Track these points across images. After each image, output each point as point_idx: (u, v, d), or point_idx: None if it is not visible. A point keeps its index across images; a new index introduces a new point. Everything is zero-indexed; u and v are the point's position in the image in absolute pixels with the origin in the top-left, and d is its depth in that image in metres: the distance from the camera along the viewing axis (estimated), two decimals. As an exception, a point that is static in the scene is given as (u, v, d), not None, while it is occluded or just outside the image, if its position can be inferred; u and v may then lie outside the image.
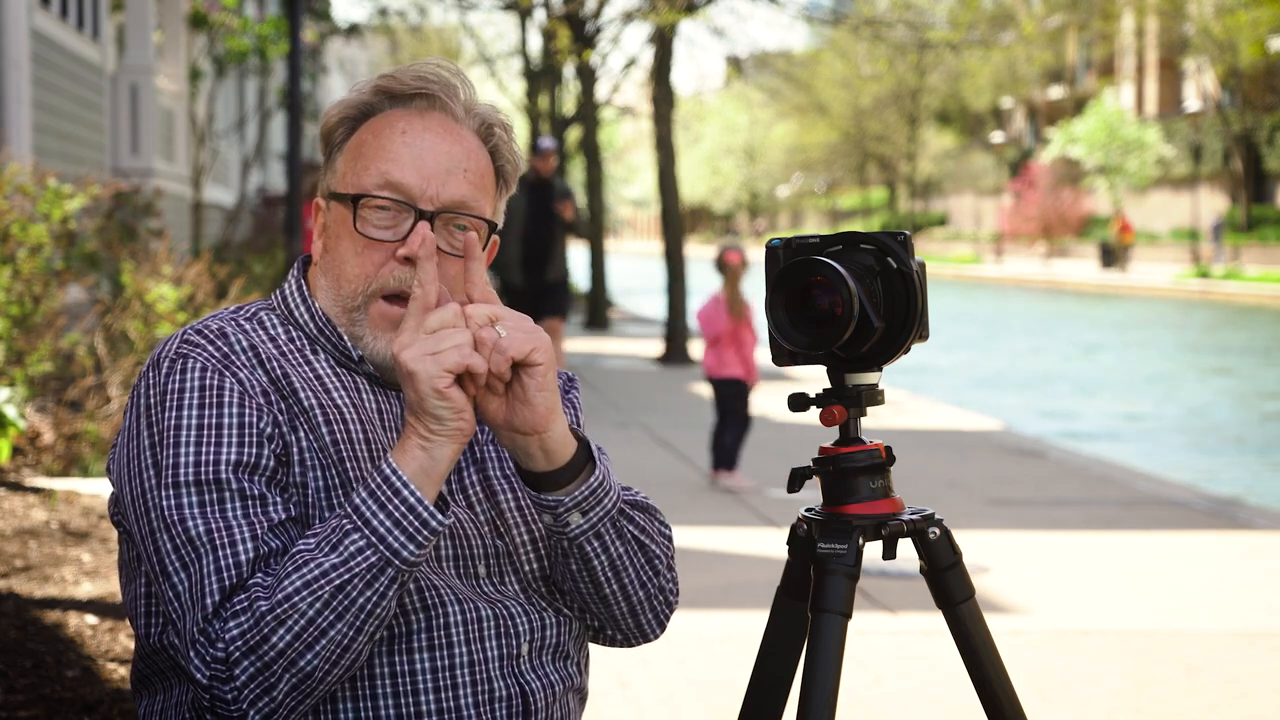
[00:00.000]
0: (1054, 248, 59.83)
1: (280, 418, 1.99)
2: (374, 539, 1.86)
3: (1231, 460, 13.21)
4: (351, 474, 2.00)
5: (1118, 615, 6.28)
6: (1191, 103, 60.74)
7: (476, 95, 2.13)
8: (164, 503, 1.94)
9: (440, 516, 1.88)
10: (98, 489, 6.73)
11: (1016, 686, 2.25)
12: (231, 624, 1.88)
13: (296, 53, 13.34)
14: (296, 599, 1.85)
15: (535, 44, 28.78)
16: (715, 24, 27.25)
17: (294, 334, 2.09)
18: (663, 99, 19.21)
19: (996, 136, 65.72)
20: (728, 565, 7.12)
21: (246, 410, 1.98)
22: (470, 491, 2.11)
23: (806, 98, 65.84)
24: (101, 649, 4.27)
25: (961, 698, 4.63)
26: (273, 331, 2.09)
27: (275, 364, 2.03)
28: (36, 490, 6.54)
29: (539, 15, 24.20)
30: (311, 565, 1.87)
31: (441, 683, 1.99)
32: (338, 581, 1.86)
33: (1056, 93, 70.66)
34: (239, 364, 2.01)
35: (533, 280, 12.31)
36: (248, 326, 2.08)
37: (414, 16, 29.56)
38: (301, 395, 2.02)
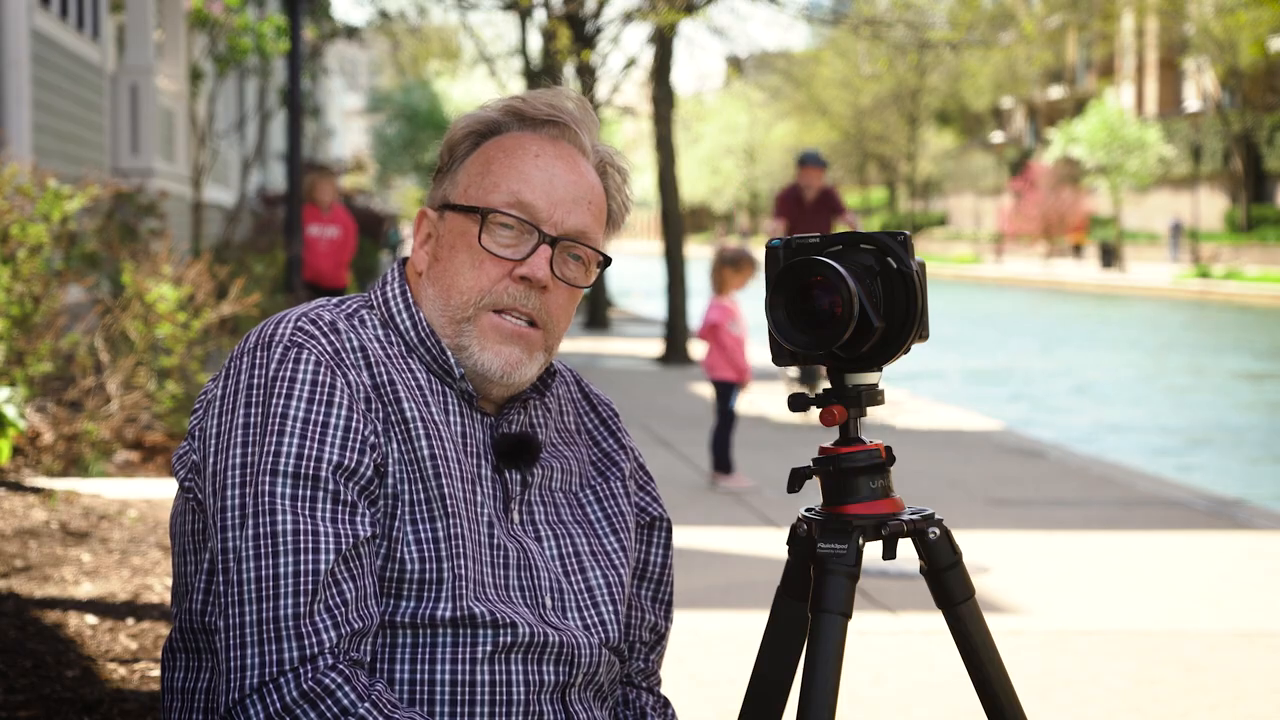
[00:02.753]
0: (1054, 248, 59.85)
1: (378, 425, 1.98)
2: None
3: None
4: (446, 490, 1.99)
5: (1118, 615, 6.28)
6: (1191, 103, 60.76)
7: (599, 132, 2.15)
8: (259, 486, 1.91)
9: None
10: (98, 489, 6.73)
11: (1016, 686, 2.25)
12: (335, 675, 1.88)
13: (296, 52, 13.35)
14: None
15: (535, 44, 28.77)
16: (715, 24, 27.28)
17: (393, 338, 2.07)
18: (663, 99, 19.20)
19: (996, 136, 65.78)
20: (728, 565, 7.12)
21: (354, 415, 1.96)
22: (541, 528, 2.12)
23: (806, 98, 65.86)
24: (101, 649, 4.27)
25: (961, 698, 4.63)
26: (375, 332, 2.07)
27: (382, 368, 2.01)
28: (36, 490, 6.54)
29: (539, 15, 24.20)
30: None
31: (498, 696, 2.00)
32: None
33: (1056, 93, 70.65)
34: (349, 363, 1.99)
35: None
36: (355, 323, 2.06)
37: (414, 17, 29.55)
38: (405, 405, 2.00)
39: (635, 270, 57.69)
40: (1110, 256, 53.05)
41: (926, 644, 5.66)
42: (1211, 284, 41.99)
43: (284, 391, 1.95)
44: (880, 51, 41.17)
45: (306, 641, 1.87)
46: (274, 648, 1.87)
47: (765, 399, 13.46)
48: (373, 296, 2.12)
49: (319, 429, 1.94)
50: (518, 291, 2.04)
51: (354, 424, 1.95)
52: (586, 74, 23.19)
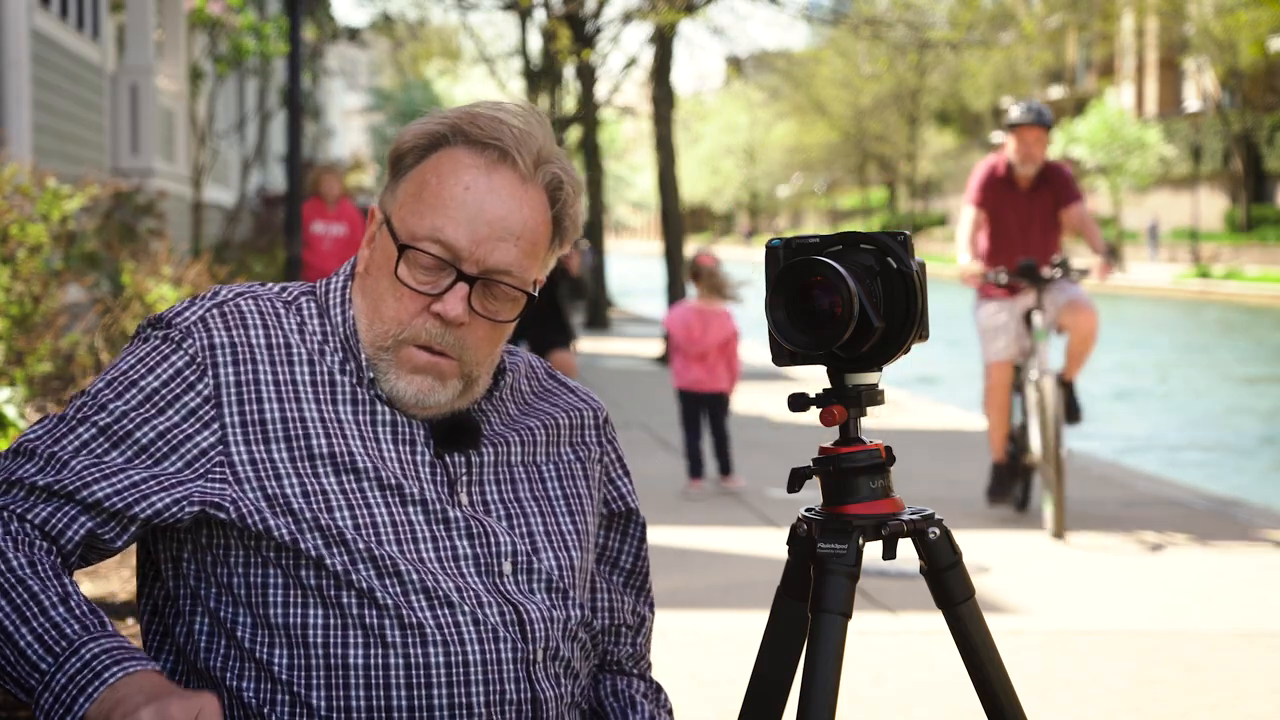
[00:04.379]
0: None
1: (229, 433, 2.00)
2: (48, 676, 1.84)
3: None
4: (290, 490, 1.99)
5: (1118, 615, 6.28)
6: (1191, 103, 60.78)
7: (554, 144, 2.09)
8: (75, 411, 1.99)
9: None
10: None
11: (1016, 686, 2.25)
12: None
13: (296, 53, 13.35)
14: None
15: (535, 44, 28.78)
16: (715, 24, 27.29)
17: (327, 326, 2.10)
18: (663, 99, 19.22)
19: (996, 136, 65.70)
20: (728, 565, 7.12)
21: (184, 426, 1.99)
22: (494, 507, 2.11)
23: (806, 98, 65.89)
24: (101, 649, 4.26)
25: (961, 698, 4.63)
26: (308, 325, 2.09)
27: (264, 359, 2.04)
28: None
29: (539, 15, 24.21)
30: (21, 600, 1.86)
31: (455, 678, 1.99)
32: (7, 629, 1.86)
33: (1056, 93, 70.66)
34: (222, 361, 2.02)
35: (533, 342, 10.48)
36: (282, 311, 2.09)
37: (414, 17, 29.59)
38: (266, 405, 2.02)
39: (635, 270, 57.72)
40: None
41: (926, 644, 5.66)
42: (1211, 284, 42.00)
43: (144, 371, 2.02)
44: (880, 51, 41.19)
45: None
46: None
47: (765, 399, 13.47)
48: (319, 285, 2.15)
49: (147, 423, 1.99)
50: (434, 328, 2.04)
51: (176, 436, 1.99)
52: (586, 74, 23.20)
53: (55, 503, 1.93)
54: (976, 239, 8.29)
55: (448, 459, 2.09)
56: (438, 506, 2.05)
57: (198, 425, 2.00)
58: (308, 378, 2.06)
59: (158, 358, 2.02)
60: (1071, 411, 8.20)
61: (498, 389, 2.16)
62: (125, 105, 14.70)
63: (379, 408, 2.07)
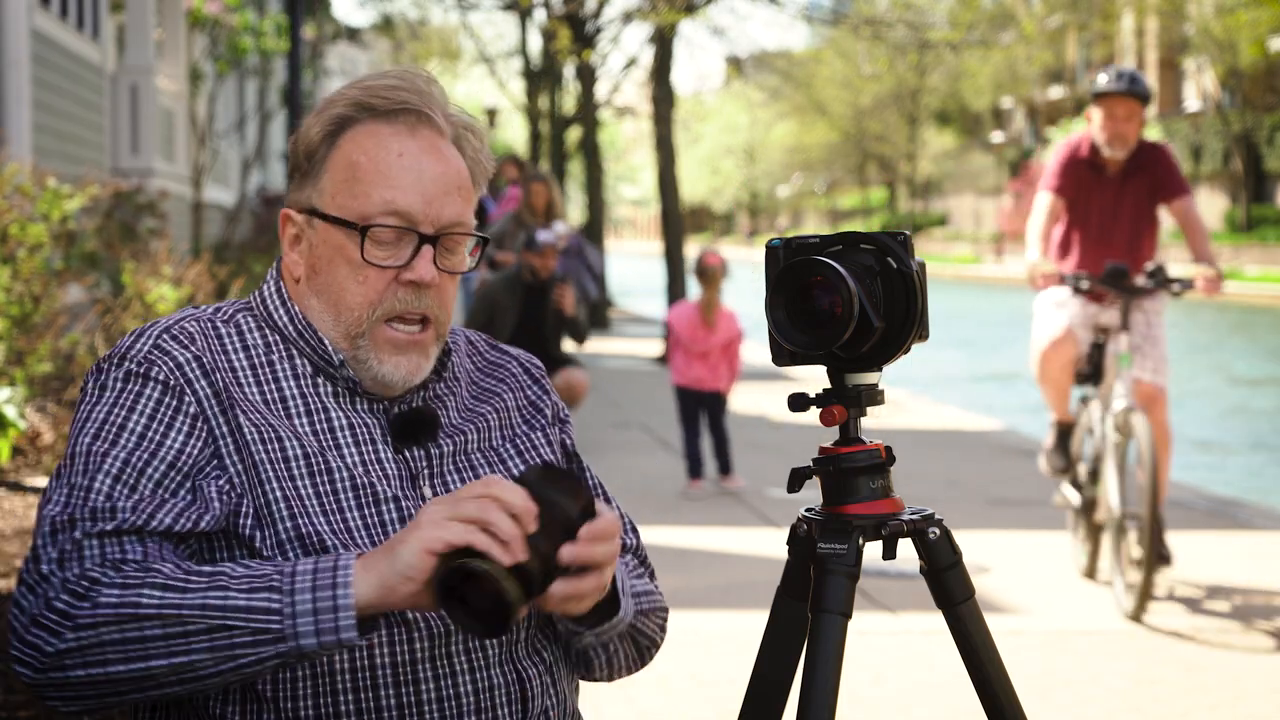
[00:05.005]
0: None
1: (221, 445, 1.99)
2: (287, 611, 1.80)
3: None
4: (271, 496, 1.98)
5: (1118, 615, 6.28)
6: (1191, 103, 60.78)
7: (445, 95, 2.13)
8: (79, 475, 1.92)
9: (354, 635, 1.81)
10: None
11: (1016, 686, 2.26)
12: (106, 576, 1.83)
13: (296, 53, 13.35)
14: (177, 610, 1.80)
15: (535, 44, 28.80)
16: (715, 24, 27.29)
17: (271, 339, 2.09)
18: (663, 99, 19.22)
19: (996, 136, 65.81)
20: (728, 565, 7.12)
21: (187, 447, 1.97)
22: (450, 479, 2.11)
23: (806, 98, 65.88)
24: (101, 649, 4.26)
25: (961, 698, 4.63)
26: (249, 338, 2.09)
27: (222, 375, 2.03)
28: (36, 490, 6.54)
29: (539, 15, 24.21)
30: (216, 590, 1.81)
31: (440, 670, 1.99)
32: (223, 623, 1.80)
33: (1056, 93, 70.65)
34: (193, 375, 2.01)
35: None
36: (223, 330, 2.08)
37: (414, 17, 29.60)
38: (241, 416, 2.01)
39: (635, 270, 57.70)
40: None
41: (926, 644, 5.66)
42: (1211, 284, 41.91)
43: (127, 408, 1.97)
44: (880, 51, 41.19)
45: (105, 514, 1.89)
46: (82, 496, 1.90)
47: (765, 399, 13.47)
48: (253, 299, 2.14)
49: (147, 454, 1.95)
50: (408, 296, 2.05)
51: (182, 459, 1.96)
52: (586, 74, 23.20)
53: (133, 539, 1.88)
54: (1050, 232, 6.74)
55: (407, 454, 2.09)
56: (406, 503, 2.05)
57: (198, 443, 1.98)
58: (257, 396, 2.05)
59: (132, 396, 1.99)
60: (1161, 554, 6.59)
61: (447, 369, 2.17)
62: (125, 105, 14.71)
63: (332, 414, 2.06)
